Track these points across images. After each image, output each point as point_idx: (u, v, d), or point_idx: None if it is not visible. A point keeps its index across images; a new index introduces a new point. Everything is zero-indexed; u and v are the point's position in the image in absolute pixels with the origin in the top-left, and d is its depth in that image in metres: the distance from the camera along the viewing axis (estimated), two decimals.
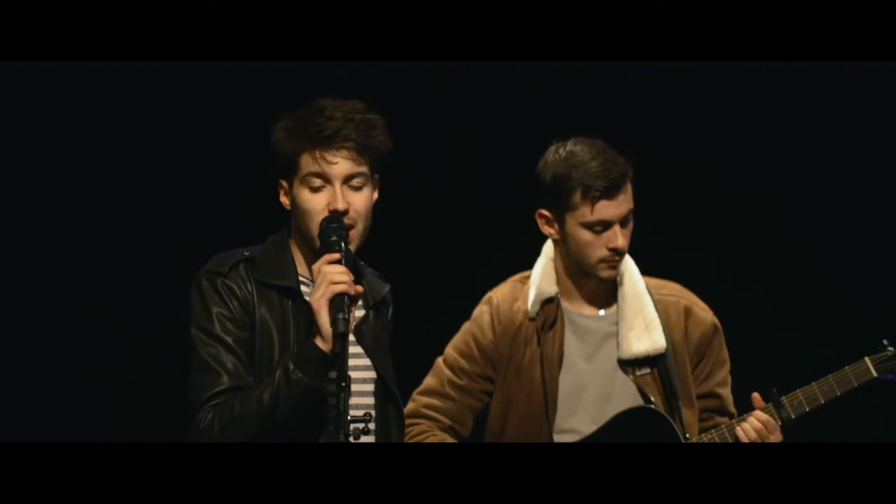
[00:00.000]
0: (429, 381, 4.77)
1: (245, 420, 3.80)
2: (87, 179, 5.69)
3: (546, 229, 4.64)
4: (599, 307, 4.68)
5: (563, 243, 4.62)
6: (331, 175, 3.93)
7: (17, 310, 5.64)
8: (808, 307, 5.89)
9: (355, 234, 3.93)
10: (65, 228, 5.69)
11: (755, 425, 4.47)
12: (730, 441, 4.51)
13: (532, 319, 4.67)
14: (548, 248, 4.72)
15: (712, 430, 4.54)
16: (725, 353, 4.71)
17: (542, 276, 4.70)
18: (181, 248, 5.58)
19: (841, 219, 5.84)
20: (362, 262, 4.10)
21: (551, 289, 4.67)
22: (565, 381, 4.62)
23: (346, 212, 3.91)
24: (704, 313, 4.69)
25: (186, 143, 5.74)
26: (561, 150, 4.57)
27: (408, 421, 4.63)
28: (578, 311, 4.67)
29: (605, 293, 4.67)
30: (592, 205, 4.52)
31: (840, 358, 4.57)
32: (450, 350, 4.77)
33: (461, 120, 5.93)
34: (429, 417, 4.72)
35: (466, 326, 4.78)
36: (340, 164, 3.92)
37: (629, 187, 4.55)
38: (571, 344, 4.64)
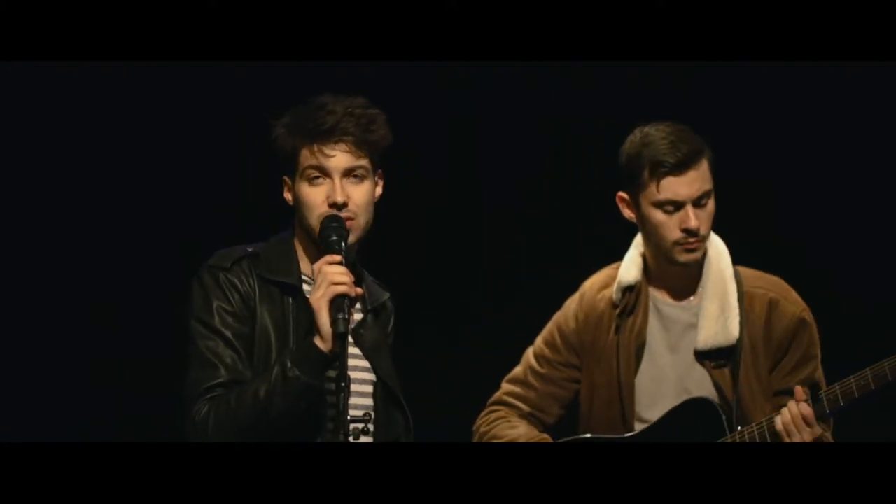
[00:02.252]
0: (516, 369, 4.82)
1: (240, 414, 3.81)
2: (87, 179, 5.70)
3: (626, 213, 4.64)
4: (686, 296, 4.65)
5: (641, 227, 4.62)
6: (329, 168, 3.94)
7: (17, 310, 5.64)
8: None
9: (356, 227, 3.94)
10: (65, 228, 5.69)
11: (786, 416, 4.36)
12: (767, 435, 4.40)
13: (616, 306, 4.68)
14: (638, 237, 4.72)
15: (752, 424, 4.46)
16: (815, 350, 4.60)
17: (627, 263, 4.70)
18: (181, 247, 5.58)
19: (841, 219, 5.84)
20: (364, 271, 4.10)
21: (633, 276, 4.66)
22: (647, 370, 4.61)
23: (345, 204, 3.92)
24: (792, 307, 4.60)
25: (187, 143, 5.74)
26: (638, 133, 4.59)
27: (489, 408, 4.79)
28: (665, 299, 4.65)
29: (693, 281, 4.63)
30: (659, 182, 4.50)
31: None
32: (538, 339, 4.81)
33: (461, 120, 5.93)
34: (509, 405, 4.77)
35: (555, 315, 4.81)
36: (339, 157, 3.94)
37: (704, 167, 4.52)
38: (656, 332, 4.64)
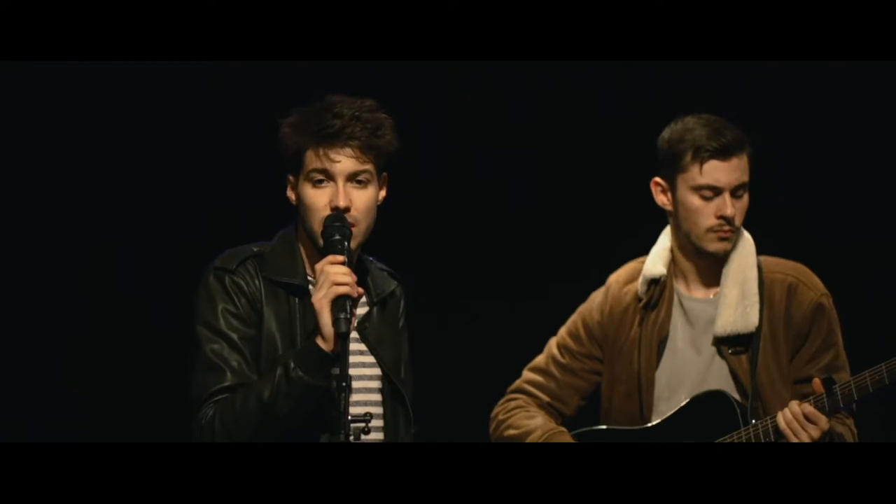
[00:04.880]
0: (538, 358, 4.83)
1: (245, 417, 3.81)
2: (87, 179, 5.70)
3: (660, 198, 4.64)
4: (711, 290, 4.65)
5: (675, 214, 4.61)
6: (334, 172, 3.93)
7: (17, 310, 5.64)
8: None
9: (357, 233, 3.93)
10: (66, 228, 5.69)
11: (787, 415, 4.36)
12: (772, 432, 4.41)
13: (640, 300, 4.67)
14: (666, 231, 4.72)
15: (767, 418, 4.45)
16: (836, 337, 4.60)
17: (653, 256, 4.70)
18: (182, 248, 5.59)
19: (842, 218, 5.83)
20: (371, 258, 4.10)
21: (658, 270, 4.67)
22: (668, 364, 4.62)
23: (347, 209, 3.91)
24: (811, 292, 4.60)
25: (188, 144, 5.74)
26: (679, 121, 4.61)
27: (509, 396, 4.80)
28: (690, 294, 4.66)
29: (717, 276, 4.63)
30: (702, 165, 4.52)
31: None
32: (561, 330, 4.82)
33: (461, 120, 5.93)
34: (528, 393, 4.78)
35: (580, 307, 4.82)
36: (343, 161, 3.93)
37: (745, 160, 4.55)
38: (679, 327, 4.64)
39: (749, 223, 4.68)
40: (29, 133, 5.60)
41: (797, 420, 4.35)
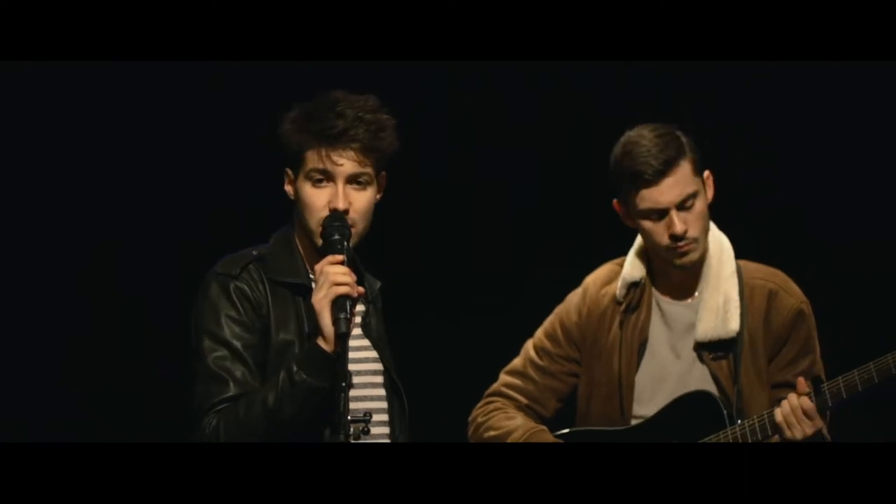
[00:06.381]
0: (515, 360, 4.82)
1: (250, 423, 3.79)
2: (87, 180, 5.70)
3: (625, 220, 4.63)
4: (689, 294, 4.65)
5: (640, 232, 4.61)
6: (335, 174, 3.92)
7: (17, 310, 5.64)
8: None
9: (354, 234, 3.92)
10: (66, 228, 5.69)
11: (785, 408, 4.36)
12: (768, 428, 4.40)
13: (619, 303, 4.67)
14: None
15: (754, 417, 4.46)
16: (814, 343, 4.60)
17: (631, 259, 4.70)
18: (182, 248, 5.59)
19: (842, 218, 5.84)
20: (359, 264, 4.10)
21: (637, 273, 4.66)
22: (648, 367, 4.62)
23: (346, 211, 3.91)
24: (791, 298, 4.59)
25: (188, 144, 5.74)
26: (623, 140, 4.57)
27: (487, 399, 4.78)
28: (668, 297, 4.65)
29: (695, 279, 4.62)
30: (638, 193, 4.49)
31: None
32: (538, 332, 4.80)
33: (461, 120, 5.93)
34: (506, 396, 4.77)
35: (557, 308, 4.80)
36: (346, 164, 3.91)
37: (685, 170, 4.49)
38: (658, 331, 4.64)
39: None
40: (29, 133, 5.61)
41: (795, 413, 4.36)
